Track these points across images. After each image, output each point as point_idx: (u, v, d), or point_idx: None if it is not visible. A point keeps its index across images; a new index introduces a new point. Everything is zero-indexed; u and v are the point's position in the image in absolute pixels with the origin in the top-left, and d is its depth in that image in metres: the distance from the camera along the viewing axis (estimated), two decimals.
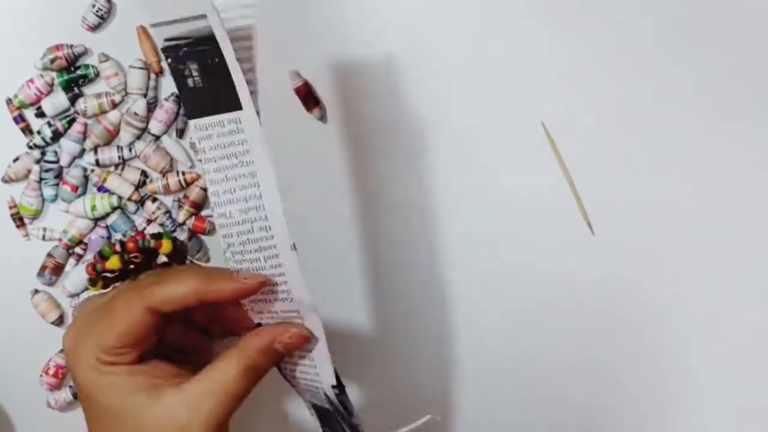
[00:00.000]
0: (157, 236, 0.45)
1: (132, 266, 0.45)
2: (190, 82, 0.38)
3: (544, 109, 0.55)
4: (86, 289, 0.56)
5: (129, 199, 0.56)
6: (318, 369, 0.42)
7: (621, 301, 0.55)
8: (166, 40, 0.37)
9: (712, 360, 0.55)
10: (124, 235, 0.56)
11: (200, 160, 0.40)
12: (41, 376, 0.57)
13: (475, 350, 0.56)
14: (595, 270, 0.55)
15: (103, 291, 0.46)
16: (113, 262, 0.44)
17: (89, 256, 0.56)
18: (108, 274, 0.45)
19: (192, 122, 0.39)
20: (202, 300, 0.41)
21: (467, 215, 0.56)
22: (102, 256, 0.45)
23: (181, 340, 0.46)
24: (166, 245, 0.45)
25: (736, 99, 0.55)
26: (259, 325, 0.44)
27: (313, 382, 0.43)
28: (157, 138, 0.56)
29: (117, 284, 0.46)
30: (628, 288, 0.55)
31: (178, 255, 0.46)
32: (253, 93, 0.38)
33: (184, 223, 0.56)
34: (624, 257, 0.55)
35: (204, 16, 0.35)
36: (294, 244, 0.40)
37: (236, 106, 0.38)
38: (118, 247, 0.45)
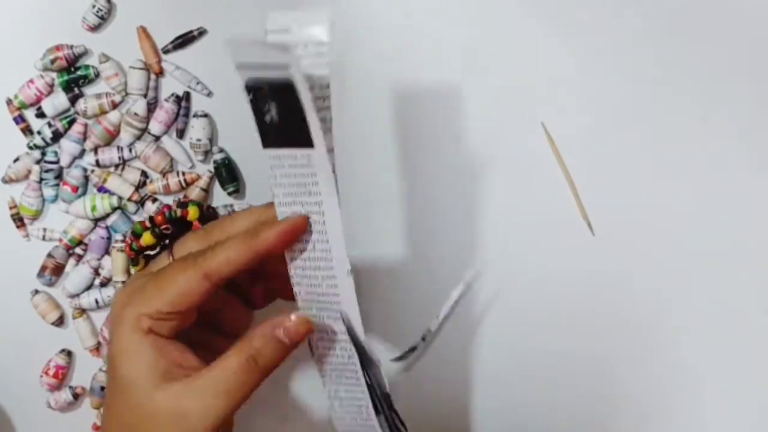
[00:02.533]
0: (183, 205, 0.46)
1: (166, 239, 0.46)
2: (267, 118, 0.40)
3: (544, 109, 0.55)
4: (86, 289, 0.56)
5: (129, 199, 0.56)
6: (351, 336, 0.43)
7: (621, 301, 0.55)
8: (249, 79, 0.39)
9: (712, 359, 0.55)
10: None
11: (270, 184, 0.42)
12: (41, 376, 0.57)
13: (472, 349, 0.56)
14: (595, 270, 0.55)
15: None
16: (146, 238, 0.46)
17: (89, 257, 0.56)
18: (147, 252, 0.46)
19: (266, 151, 0.41)
20: (254, 254, 0.42)
21: (466, 215, 0.56)
22: (135, 235, 0.46)
23: (220, 322, 0.46)
24: (192, 212, 0.47)
25: (736, 98, 0.55)
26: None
27: (343, 357, 0.44)
28: (157, 138, 0.56)
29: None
30: (628, 288, 0.55)
31: (208, 219, 0.47)
32: (326, 132, 0.40)
33: None
34: (624, 257, 0.55)
35: (287, 66, 0.37)
36: (350, 269, 0.42)
37: (309, 144, 0.40)
38: (147, 223, 0.46)
